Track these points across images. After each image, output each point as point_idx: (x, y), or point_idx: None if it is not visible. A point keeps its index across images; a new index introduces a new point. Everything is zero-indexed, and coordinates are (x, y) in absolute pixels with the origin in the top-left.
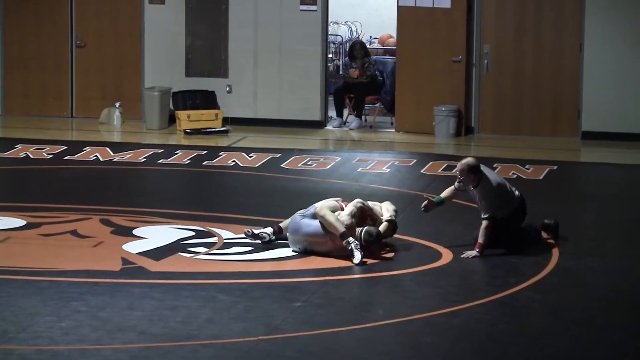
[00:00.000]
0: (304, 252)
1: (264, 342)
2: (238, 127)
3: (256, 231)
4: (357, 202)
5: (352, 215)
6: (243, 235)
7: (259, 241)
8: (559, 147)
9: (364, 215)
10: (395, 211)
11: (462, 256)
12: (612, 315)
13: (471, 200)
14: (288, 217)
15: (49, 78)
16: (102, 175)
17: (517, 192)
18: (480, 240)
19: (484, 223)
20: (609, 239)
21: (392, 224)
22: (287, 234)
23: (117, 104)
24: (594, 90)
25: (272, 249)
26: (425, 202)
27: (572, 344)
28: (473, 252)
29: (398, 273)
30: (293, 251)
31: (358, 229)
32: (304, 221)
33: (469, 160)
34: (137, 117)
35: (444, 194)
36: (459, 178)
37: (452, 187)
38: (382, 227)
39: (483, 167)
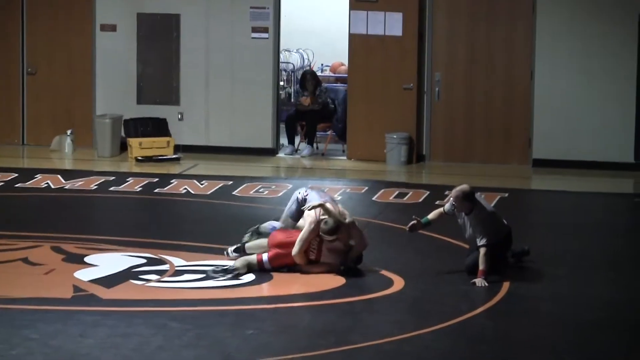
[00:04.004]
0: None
1: None
2: (190, 155)
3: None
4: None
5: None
6: (194, 263)
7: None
8: (510, 174)
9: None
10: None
11: (473, 283)
12: (561, 342)
13: (426, 229)
14: (238, 244)
15: None
16: (54, 203)
17: (505, 222)
18: (481, 267)
19: (482, 250)
20: (559, 266)
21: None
22: None
23: (69, 131)
24: (544, 118)
25: (224, 276)
26: (413, 222)
27: None
28: (480, 280)
29: (350, 300)
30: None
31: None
32: None
33: (463, 187)
34: (88, 144)
35: (431, 216)
36: (453, 204)
37: (441, 209)
38: None
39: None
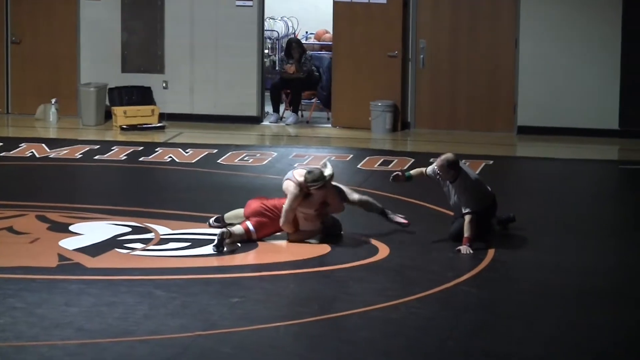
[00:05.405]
0: None
1: (201, 338)
2: (174, 123)
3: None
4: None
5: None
6: (179, 231)
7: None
8: (494, 141)
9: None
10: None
11: (458, 251)
12: (546, 309)
13: (406, 195)
14: (223, 213)
15: None
16: (38, 172)
17: (489, 189)
18: (467, 234)
19: (467, 217)
20: (543, 233)
21: None
22: None
23: (53, 100)
24: (529, 85)
25: (209, 244)
26: (397, 173)
27: (507, 338)
28: (466, 248)
29: (335, 268)
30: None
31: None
32: None
33: (448, 155)
34: (73, 113)
35: (413, 172)
36: (438, 172)
37: (423, 169)
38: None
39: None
